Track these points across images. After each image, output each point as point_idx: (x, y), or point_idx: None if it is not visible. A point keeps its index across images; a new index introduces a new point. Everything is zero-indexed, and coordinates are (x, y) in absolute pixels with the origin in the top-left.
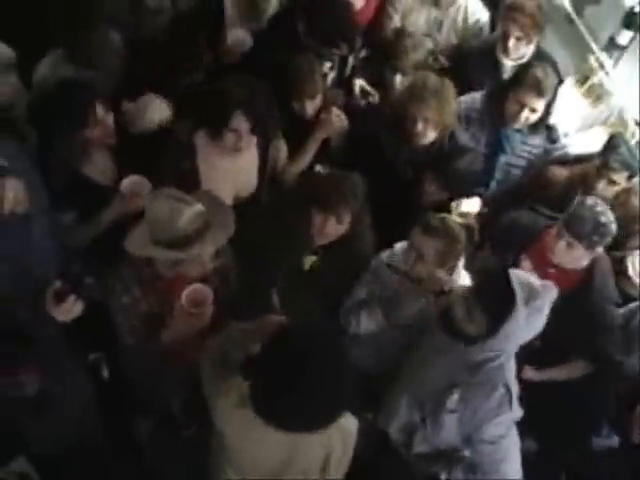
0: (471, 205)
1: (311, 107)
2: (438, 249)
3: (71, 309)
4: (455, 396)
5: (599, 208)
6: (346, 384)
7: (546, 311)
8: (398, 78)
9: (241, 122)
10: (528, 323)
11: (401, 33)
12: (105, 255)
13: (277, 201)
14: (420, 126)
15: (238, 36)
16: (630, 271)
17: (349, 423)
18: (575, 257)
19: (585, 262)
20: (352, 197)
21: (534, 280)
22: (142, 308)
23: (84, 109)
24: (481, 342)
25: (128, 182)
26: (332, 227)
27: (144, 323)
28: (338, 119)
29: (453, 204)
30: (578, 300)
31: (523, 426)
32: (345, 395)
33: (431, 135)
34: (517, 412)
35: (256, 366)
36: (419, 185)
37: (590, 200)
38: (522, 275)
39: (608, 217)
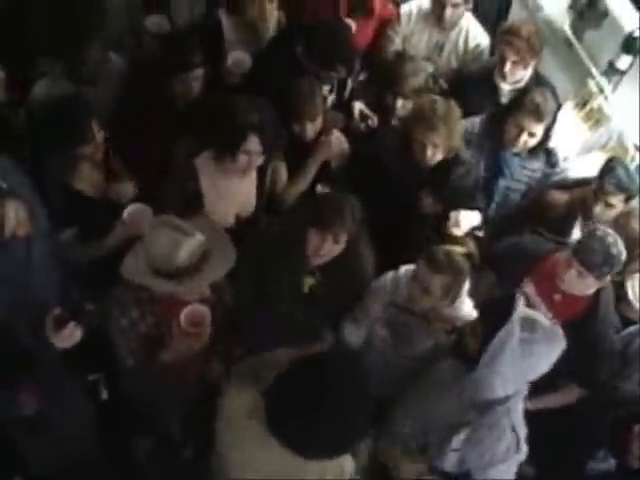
0: (470, 218)
1: (312, 130)
2: (444, 284)
3: (71, 335)
4: (461, 436)
5: (610, 239)
6: (364, 418)
7: (550, 355)
8: (400, 102)
9: (255, 144)
10: (523, 353)
11: (402, 57)
12: (102, 278)
13: (275, 222)
14: (430, 152)
15: (238, 57)
16: (630, 295)
17: (347, 462)
18: (585, 285)
19: (592, 290)
20: (349, 216)
21: (542, 319)
22: (140, 330)
23: (85, 125)
24: (479, 363)
25: (130, 209)
26: (329, 246)
27: (143, 345)
28: (338, 141)
29: (452, 215)
30: (581, 327)
31: None
32: (361, 428)
33: (439, 158)
34: (523, 454)
35: (280, 381)
36: (416, 198)
37: (600, 232)
38: (531, 311)
39: (619, 248)
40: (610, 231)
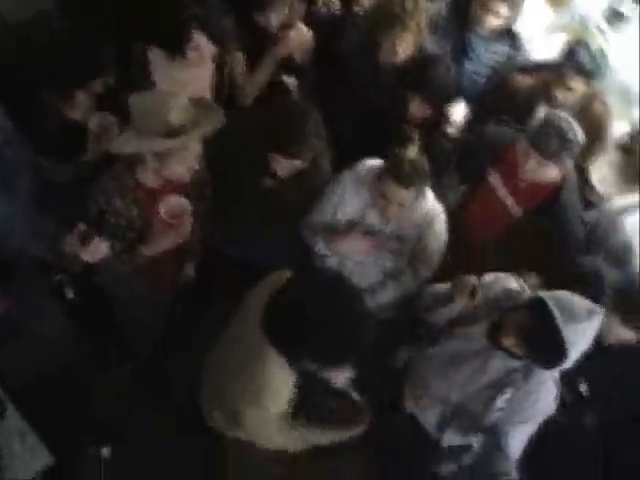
0: (459, 111)
1: (276, 20)
2: (414, 194)
3: (97, 249)
4: (507, 395)
5: (564, 124)
6: (359, 335)
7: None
8: None
9: (201, 39)
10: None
11: None
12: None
13: (239, 131)
14: (400, 50)
15: None
16: (592, 178)
17: None
18: (546, 172)
19: (555, 175)
20: (315, 137)
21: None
22: (123, 220)
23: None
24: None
25: (96, 119)
26: (290, 165)
27: (124, 235)
28: (301, 36)
29: (449, 112)
30: (547, 214)
31: None
32: (357, 344)
33: (407, 54)
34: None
35: (274, 301)
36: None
37: (551, 115)
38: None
39: (575, 131)
40: (564, 115)
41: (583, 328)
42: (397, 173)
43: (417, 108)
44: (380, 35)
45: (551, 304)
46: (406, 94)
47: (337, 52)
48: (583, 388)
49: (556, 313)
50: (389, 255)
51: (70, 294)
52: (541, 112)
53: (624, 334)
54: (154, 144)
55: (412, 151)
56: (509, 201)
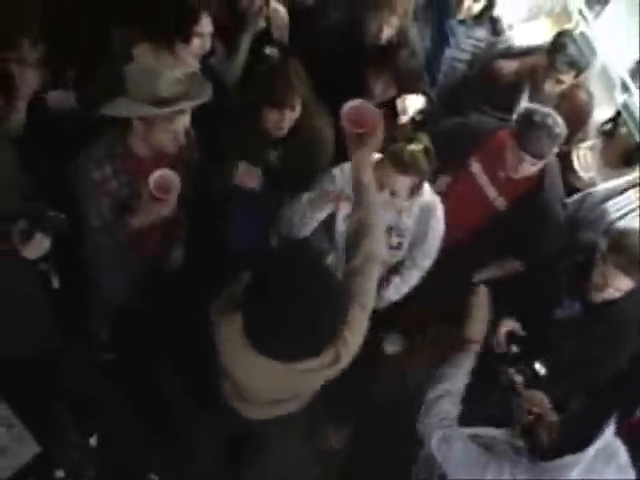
0: (415, 102)
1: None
2: (411, 184)
3: (39, 246)
4: None
5: (550, 121)
6: (330, 317)
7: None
8: None
9: (208, 25)
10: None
11: None
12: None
13: (228, 101)
14: (385, 32)
15: None
16: (576, 165)
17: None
18: (530, 167)
19: (539, 167)
20: (297, 81)
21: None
22: (111, 187)
23: None
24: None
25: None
26: (288, 117)
27: (111, 204)
28: (276, 13)
29: (398, 102)
30: (529, 202)
31: None
32: (329, 328)
33: (391, 34)
34: None
35: (246, 292)
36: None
37: (538, 116)
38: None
39: (560, 126)
40: (547, 111)
41: None
42: (396, 159)
43: (380, 91)
44: (367, 16)
45: None
46: (371, 76)
47: (316, 31)
48: (538, 367)
49: None
50: (389, 251)
51: (56, 283)
52: (525, 109)
53: (625, 284)
54: (141, 109)
55: (415, 145)
56: (491, 191)
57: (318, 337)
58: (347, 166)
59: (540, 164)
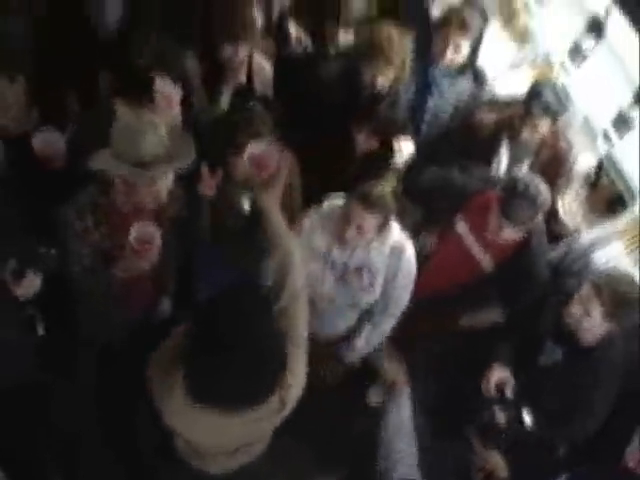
0: (406, 147)
1: (243, 51)
2: (378, 223)
3: (31, 284)
4: None
5: (532, 190)
6: (273, 360)
7: None
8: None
9: (164, 81)
10: None
11: None
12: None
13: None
14: (380, 82)
15: None
16: (560, 212)
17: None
18: (515, 234)
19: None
20: (266, 131)
21: None
22: (93, 238)
23: None
24: None
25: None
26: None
27: (93, 253)
28: (259, 67)
29: (395, 142)
30: (516, 261)
31: None
32: (272, 372)
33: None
34: None
35: (188, 341)
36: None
37: (521, 186)
38: None
39: (543, 193)
40: (530, 178)
41: None
42: (363, 197)
43: (363, 141)
44: (364, 68)
45: None
46: (354, 127)
47: (306, 82)
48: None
49: None
50: (360, 292)
51: (41, 330)
52: (510, 177)
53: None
54: (122, 168)
55: (382, 187)
56: (477, 252)
57: (262, 382)
58: None
59: (523, 229)
